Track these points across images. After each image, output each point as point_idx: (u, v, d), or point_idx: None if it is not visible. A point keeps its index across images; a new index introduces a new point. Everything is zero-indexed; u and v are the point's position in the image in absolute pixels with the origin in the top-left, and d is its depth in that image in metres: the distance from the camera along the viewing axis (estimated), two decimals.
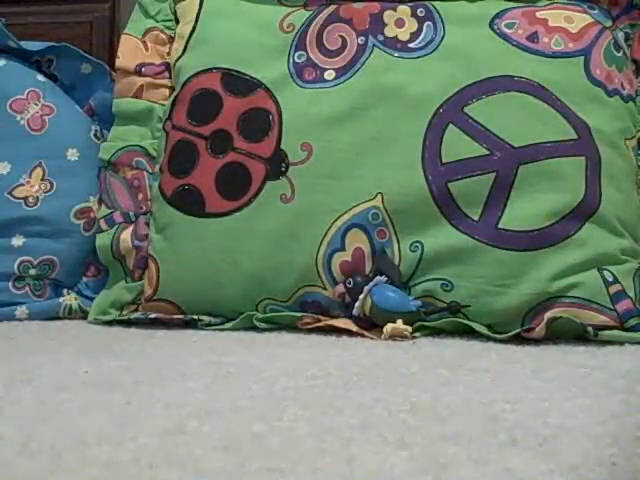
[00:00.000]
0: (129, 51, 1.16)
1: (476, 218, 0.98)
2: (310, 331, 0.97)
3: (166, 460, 0.47)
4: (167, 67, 1.15)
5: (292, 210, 1.02)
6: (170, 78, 1.14)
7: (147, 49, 1.16)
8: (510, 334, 0.92)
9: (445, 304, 0.97)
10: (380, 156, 1.01)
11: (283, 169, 1.03)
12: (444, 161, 1.00)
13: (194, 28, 1.14)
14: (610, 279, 0.96)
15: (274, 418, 0.56)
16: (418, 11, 1.09)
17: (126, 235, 1.10)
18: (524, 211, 0.98)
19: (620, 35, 1.10)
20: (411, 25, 1.08)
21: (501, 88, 1.03)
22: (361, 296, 0.97)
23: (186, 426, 0.53)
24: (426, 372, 0.72)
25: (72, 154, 1.14)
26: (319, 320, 0.98)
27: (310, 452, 0.48)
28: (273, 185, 1.03)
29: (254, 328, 0.99)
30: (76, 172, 1.14)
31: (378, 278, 0.97)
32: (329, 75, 1.06)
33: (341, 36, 1.08)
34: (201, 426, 0.53)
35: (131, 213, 1.11)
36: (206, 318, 1.02)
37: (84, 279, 1.13)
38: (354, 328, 0.96)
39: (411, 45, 1.07)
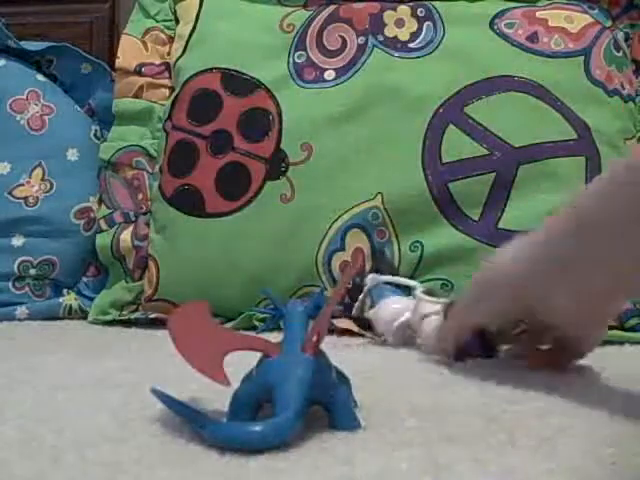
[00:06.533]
0: (129, 51, 1.16)
1: (476, 218, 0.98)
2: None
3: (166, 460, 0.47)
4: (167, 67, 1.15)
5: (292, 210, 1.02)
6: (170, 78, 1.15)
7: (147, 49, 1.16)
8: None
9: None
10: (380, 156, 1.01)
11: (283, 169, 1.03)
12: (444, 161, 1.00)
13: (194, 28, 1.14)
14: None
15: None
16: (418, 11, 1.09)
17: (126, 235, 1.10)
18: (524, 211, 0.98)
19: (620, 35, 1.10)
20: (411, 25, 1.08)
21: (501, 88, 1.03)
22: (360, 296, 0.96)
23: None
24: (426, 372, 0.72)
25: (72, 154, 1.14)
26: None
27: (310, 452, 0.48)
28: (273, 185, 1.03)
29: (254, 328, 0.99)
30: (76, 172, 1.14)
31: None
32: (329, 75, 1.06)
33: (341, 36, 1.08)
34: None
35: (131, 213, 1.11)
36: None
37: (84, 279, 1.13)
38: (354, 328, 0.96)
39: (411, 45, 1.07)
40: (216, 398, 0.58)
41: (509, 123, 1.01)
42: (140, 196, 1.11)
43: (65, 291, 1.12)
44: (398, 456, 0.48)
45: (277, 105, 1.05)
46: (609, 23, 1.10)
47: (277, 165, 1.03)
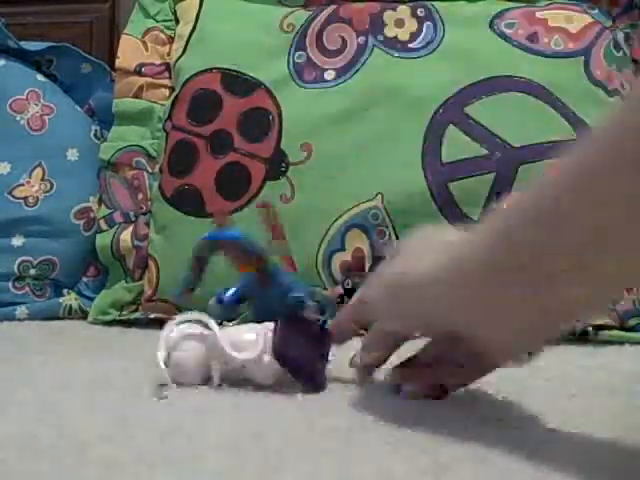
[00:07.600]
0: (129, 51, 1.16)
1: (476, 218, 0.98)
2: None
3: (166, 460, 0.47)
4: (167, 67, 1.15)
5: (292, 210, 1.02)
6: (170, 78, 1.15)
7: (147, 49, 1.16)
8: None
9: None
10: (380, 156, 1.01)
11: (283, 169, 1.03)
12: (444, 161, 1.00)
13: (194, 28, 1.14)
14: None
15: (274, 418, 0.56)
16: (418, 11, 1.09)
17: (126, 235, 1.10)
18: None
19: (620, 35, 1.10)
20: (411, 25, 1.08)
21: (501, 88, 1.03)
22: None
23: (186, 426, 0.53)
24: None
25: (72, 154, 1.14)
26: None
27: (310, 452, 0.48)
28: (273, 185, 1.03)
29: None
30: (76, 172, 1.14)
31: None
32: (329, 75, 1.06)
33: (341, 36, 1.08)
34: (201, 426, 0.53)
35: (131, 213, 1.11)
36: None
37: (84, 279, 1.13)
38: None
39: (411, 45, 1.07)
40: (215, 397, 0.58)
41: (509, 123, 1.01)
42: (140, 196, 1.11)
43: (65, 291, 1.12)
44: (398, 456, 0.48)
45: (277, 105, 1.05)
46: (609, 23, 1.10)
47: (277, 165, 1.03)
